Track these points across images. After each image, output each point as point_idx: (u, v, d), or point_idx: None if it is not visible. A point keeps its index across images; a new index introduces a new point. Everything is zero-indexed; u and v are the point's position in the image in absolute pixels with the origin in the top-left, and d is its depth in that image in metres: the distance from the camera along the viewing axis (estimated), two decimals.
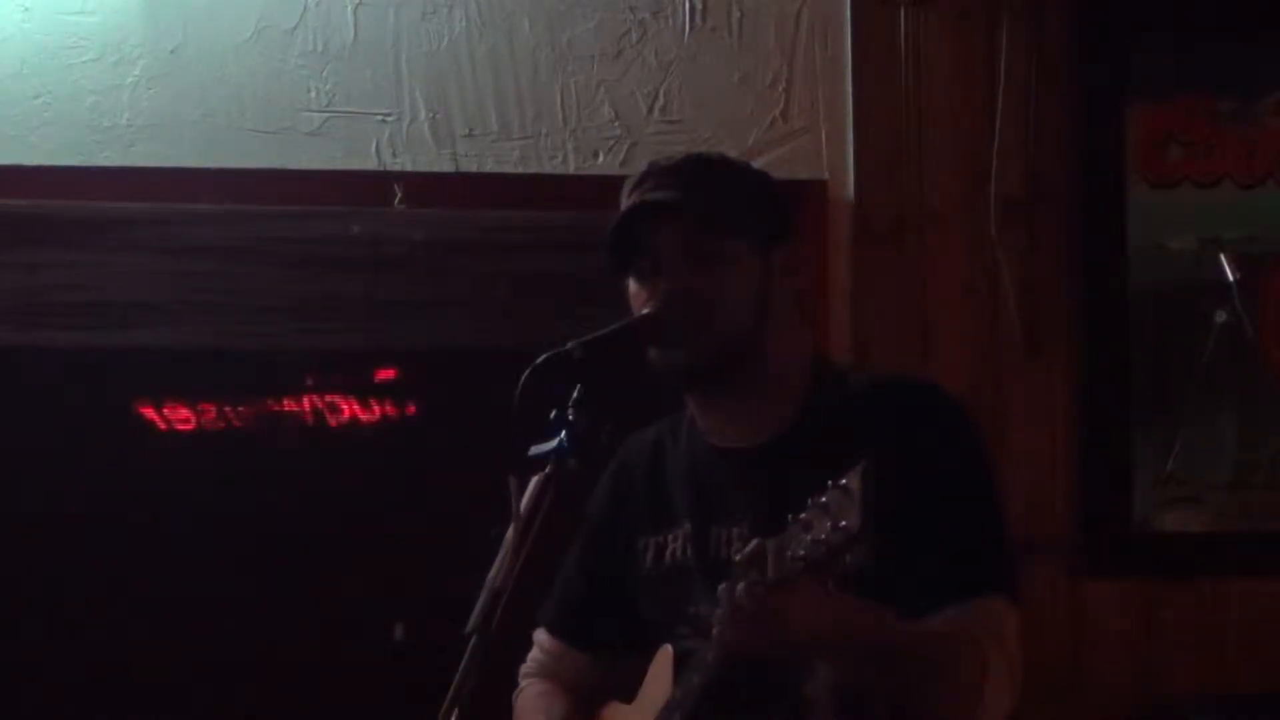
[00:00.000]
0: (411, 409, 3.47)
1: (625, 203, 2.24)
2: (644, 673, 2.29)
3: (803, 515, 1.90)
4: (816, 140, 3.58)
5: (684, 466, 2.31)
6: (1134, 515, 3.54)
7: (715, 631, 2.01)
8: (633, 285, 2.23)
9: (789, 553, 1.90)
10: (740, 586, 1.95)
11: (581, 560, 2.43)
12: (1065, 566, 3.50)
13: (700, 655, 2.09)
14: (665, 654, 2.23)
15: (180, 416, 3.44)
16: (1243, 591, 3.52)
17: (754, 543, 1.96)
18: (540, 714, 2.41)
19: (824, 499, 1.88)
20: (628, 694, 2.34)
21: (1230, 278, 3.52)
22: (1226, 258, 3.52)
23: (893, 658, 2.06)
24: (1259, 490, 3.57)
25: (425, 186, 3.52)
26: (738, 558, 1.98)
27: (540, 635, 2.48)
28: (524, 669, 2.49)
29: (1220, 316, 3.54)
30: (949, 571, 2.10)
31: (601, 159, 3.55)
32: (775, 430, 2.23)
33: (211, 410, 3.44)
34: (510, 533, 2.01)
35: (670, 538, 2.29)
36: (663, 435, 2.38)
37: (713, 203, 2.20)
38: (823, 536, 1.87)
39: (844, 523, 1.85)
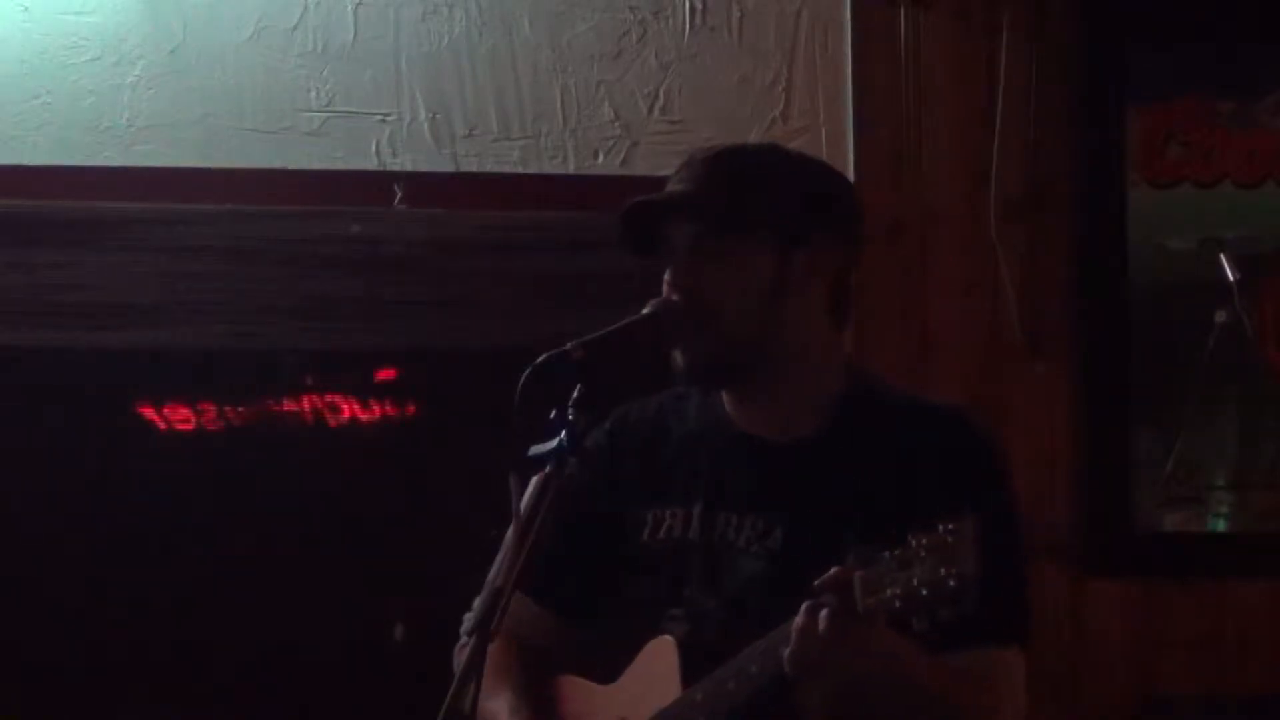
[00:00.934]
0: (411, 409, 3.47)
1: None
2: (617, 647, 2.25)
3: (898, 551, 1.86)
4: (816, 140, 3.58)
5: (694, 442, 2.28)
6: (1134, 515, 3.54)
7: (789, 658, 1.96)
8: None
9: (887, 590, 1.86)
10: (826, 616, 1.92)
11: (561, 520, 2.26)
12: (1065, 566, 3.50)
13: (742, 665, 2.05)
14: (666, 644, 2.18)
15: (180, 416, 3.44)
16: (1243, 591, 3.52)
17: (837, 569, 1.92)
18: (496, 673, 2.26)
19: (928, 540, 1.83)
20: (590, 664, 2.29)
21: (1230, 278, 3.52)
22: (1226, 258, 3.52)
23: (928, 700, 2.05)
24: (1259, 490, 3.57)
25: (425, 186, 3.52)
26: (817, 583, 1.93)
27: None
28: (468, 619, 2.40)
29: (1220, 316, 3.54)
30: (975, 617, 2.08)
31: (601, 159, 3.55)
32: (809, 429, 2.21)
33: (211, 410, 3.44)
34: (510, 533, 2.01)
35: (670, 514, 2.26)
36: (665, 406, 2.34)
37: (721, 201, 2.18)
38: (927, 579, 1.82)
39: (954, 570, 1.80)
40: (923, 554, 1.83)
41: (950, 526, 1.82)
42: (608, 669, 2.28)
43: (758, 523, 2.19)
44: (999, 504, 2.18)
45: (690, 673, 2.13)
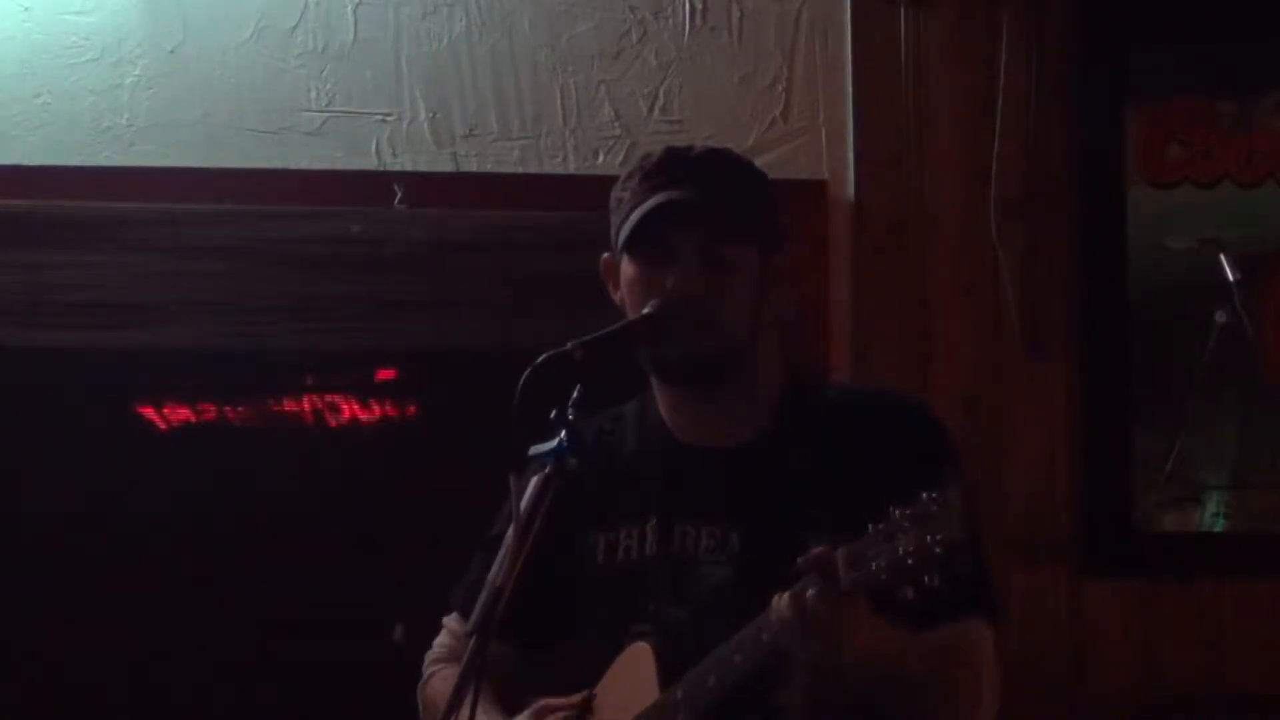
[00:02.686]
0: (411, 409, 3.47)
1: (639, 189, 2.21)
2: (581, 665, 2.24)
3: (881, 525, 1.86)
4: (816, 140, 3.58)
5: (642, 461, 2.28)
6: (1134, 515, 3.54)
7: (766, 637, 1.96)
8: (632, 268, 2.21)
9: (871, 563, 1.86)
10: (812, 593, 1.91)
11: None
12: (1065, 566, 3.50)
13: (722, 658, 2.04)
14: (641, 651, 2.18)
15: (180, 416, 3.44)
16: (1243, 591, 3.52)
17: (820, 548, 1.92)
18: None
19: (911, 510, 1.84)
20: (556, 684, 2.27)
21: (1230, 278, 3.52)
22: (1226, 258, 3.52)
23: (913, 681, 2.06)
24: (1259, 490, 3.57)
25: (425, 186, 3.52)
26: (800, 561, 1.93)
27: (451, 621, 2.41)
28: (430, 655, 2.42)
29: (1220, 316, 3.54)
30: (942, 593, 2.08)
31: (601, 159, 3.55)
32: (752, 433, 2.22)
33: (211, 410, 3.44)
34: (510, 533, 2.01)
35: (624, 534, 2.25)
36: (606, 429, 2.33)
37: (731, 208, 2.19)
38: (912, 548, 1.82)
39: (939, 536, 1.81)
40: (907, 524, 1.83)
41: (934, 495, 1.83)
42: (576, 686, 2.26)
43: (714, 531, 2.19)
44: (953, 478, 2.17)
45: (668, 677, 2.13)
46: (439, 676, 2.39)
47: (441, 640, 2.44)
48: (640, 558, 2.24)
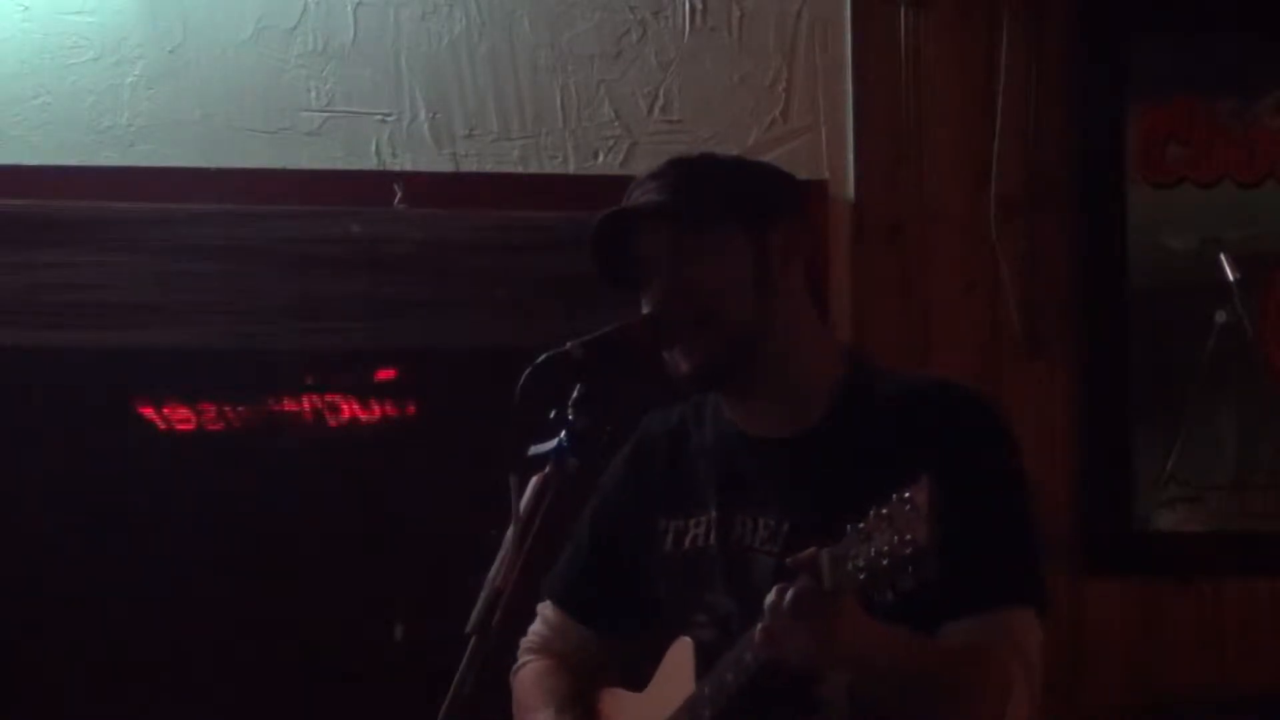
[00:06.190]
0: (411, 409, 3.47)
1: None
2: (651, 656, 2.27)
3: (862, 525, 1.85)
4: (816, 140, 3.58)
5: (710, 450, 2.29)
6: (1134, 515, 3.54)
7: (758, 634, 1.96)
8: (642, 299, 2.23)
9: (850, 564, 1.86)
10: (791, 592, 1.91)
11: (593, 535, 2.40)
12: (1065, 566, 3.50)
13: (737, 654, 2.05)
14: (684, 645, 2.20)
15: (180, 416, 3.44)
16: (1243, 591, 3.52)
17: (810, 550, 1.92)
18: (541, 692, 2.37)
19: (886, 510, 1.83)
20: (631, 676, 2.32)
21: (1230, 278, 3.52)
22: (1226, 258, 3.52)
23: (921, 684, 2.04)
24: (1259, 490, 3.57)
25: (425, 186, 3.52)
26: (789, 561, 1.94)
27: (545, 608, 2.45)
28: (524, 643, 2.45)
29: (1220, 316, 3.54)
30: (977, 581, 2.07)
31: (601, 159, 3.55)
32: (808, 422, 2.21)
33: (211, 410, 3.44)
34: (510, 533, 2.01)
35: (693, 522, 2.26)
36: (686, 416, 2.35)
37: (686, 197, 2.18)
38: (885, 549, 1.81)
39: (909, 537, 1.80)
40: (882, 525, 1.83)
41: (905, 494, 1.82)
42: (641, 676, 2.31)
43: (769, 522, 2.19)
44: (997, 467, 2.16)
45: (706, 671, 2.14)
46: (528, 669, 2.43)
47: (536, 628, 2.46)
48: (704, 546, 2.25)
